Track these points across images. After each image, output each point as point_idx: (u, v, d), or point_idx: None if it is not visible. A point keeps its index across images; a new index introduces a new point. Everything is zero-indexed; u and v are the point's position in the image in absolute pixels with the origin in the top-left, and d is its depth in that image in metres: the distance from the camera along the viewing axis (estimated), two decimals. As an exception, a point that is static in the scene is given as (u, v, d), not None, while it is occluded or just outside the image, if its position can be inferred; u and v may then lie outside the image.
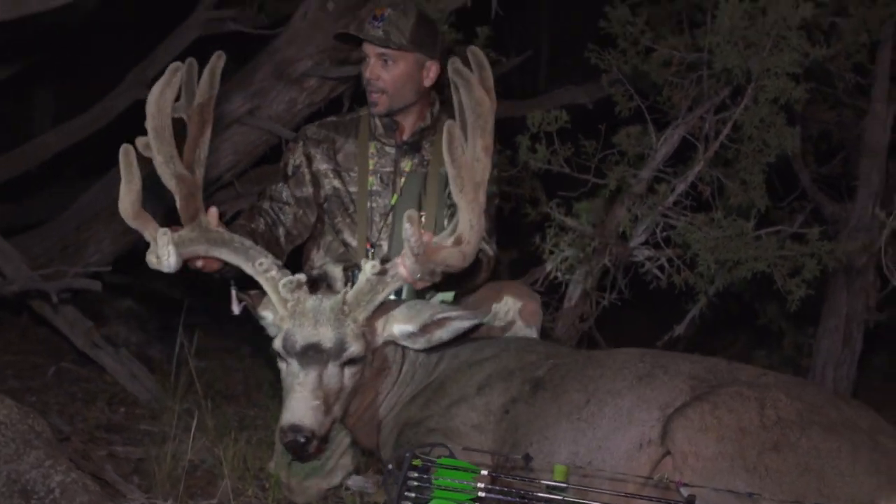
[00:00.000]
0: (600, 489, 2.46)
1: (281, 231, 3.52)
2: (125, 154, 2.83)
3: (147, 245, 2.92)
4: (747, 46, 3.77)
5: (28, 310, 4.95)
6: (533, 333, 3.45)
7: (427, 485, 2.45)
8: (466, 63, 2.74)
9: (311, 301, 2.86)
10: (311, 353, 2.80)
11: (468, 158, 2.69)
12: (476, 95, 2.68)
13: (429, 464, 2.47)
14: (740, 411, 2.60)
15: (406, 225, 2.62)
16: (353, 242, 3.51)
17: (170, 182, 2.93)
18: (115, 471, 3.34)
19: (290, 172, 3.57)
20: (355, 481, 3.37)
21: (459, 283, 3.28)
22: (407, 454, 2.48)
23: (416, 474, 2.46)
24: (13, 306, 4.94)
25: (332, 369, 2.82)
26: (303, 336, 2.82)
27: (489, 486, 2.43)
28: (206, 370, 4.84)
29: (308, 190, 3.55)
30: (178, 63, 2.89)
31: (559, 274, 4.24)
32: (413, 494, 2.45)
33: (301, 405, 2.75)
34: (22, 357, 4.73)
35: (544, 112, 4.06)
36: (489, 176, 2.76)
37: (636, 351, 3.01)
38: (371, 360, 2.98)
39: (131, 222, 2.87)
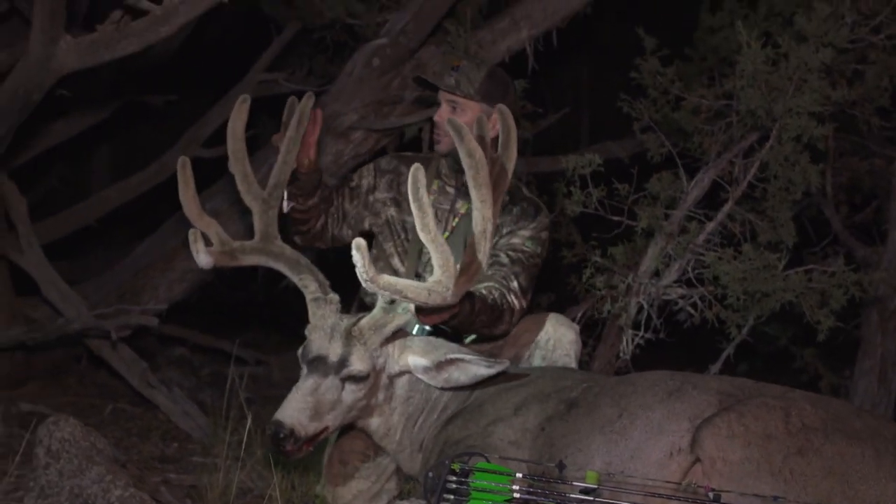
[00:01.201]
0: (631, 492, 2.58)
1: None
2: (182, 166, 3.21)
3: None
4: (770, 90, 3.92)
5: (87, 355, 5.18)
6: (572, 363, 3.57)
7: (464, 487, 2.59)
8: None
9: (332, 318, 3.11)
10: (317, 364, 3.04)
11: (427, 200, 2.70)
12: (467, 147, 2.74)
13: (466, 468, 2.61)
14: (766, 419, 2.69)
15: (354, 252, 2.67)
16: (402, 269, 3.69)
17: (245, 197, 3.30)
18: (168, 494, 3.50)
19: (352, 185, 3.78)
20: (399, 506, 3.49)
21: (475, 329, 3.42)
22: (446, 460, 2.63)
23: (454, 478, 2.61)
24: (72, 349, 5.15)
25: (330, 381, 3.02)
26: (315, 347, 3.07)
27: (524, 489, 2.56)
28: (256, 414, 4.96)
29: (350, 208, 3.74)
30: (245, 95, 3.31)
31: (595, 313, 4.36)
32: (452, 497, 2.59)
33: (291, 405, 2.96)
34: (80, 398, 4.93)
35: (578, 156, 4.22)
36: (492, 228, 2.85)
37: (666, 371, 3.13)
38: (388, 384, 3.17)
39: (196, 223, 3.20)
